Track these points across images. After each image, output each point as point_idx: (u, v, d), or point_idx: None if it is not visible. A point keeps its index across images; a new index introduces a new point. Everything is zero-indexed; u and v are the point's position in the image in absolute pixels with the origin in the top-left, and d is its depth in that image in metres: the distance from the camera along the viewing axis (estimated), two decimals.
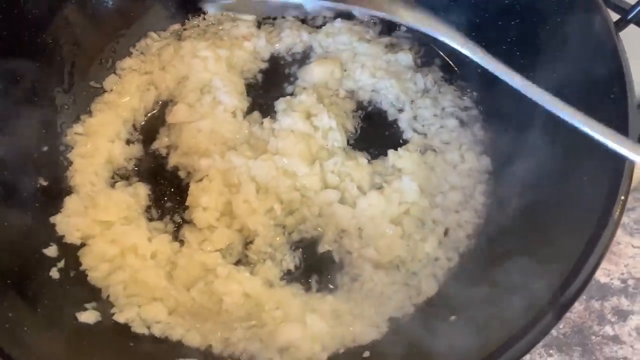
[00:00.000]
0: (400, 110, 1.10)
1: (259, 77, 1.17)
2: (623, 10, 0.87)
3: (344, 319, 0.91)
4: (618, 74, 0.78)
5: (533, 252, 0.79)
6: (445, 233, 0.97)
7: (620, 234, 1.05)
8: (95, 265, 0.95)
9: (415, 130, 1.07)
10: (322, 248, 0.97)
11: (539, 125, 0.90)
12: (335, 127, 1.06)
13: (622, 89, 0.77)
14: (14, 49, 0.98)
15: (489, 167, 1.03)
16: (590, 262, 0.69)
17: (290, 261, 0.97)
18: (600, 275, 1.04)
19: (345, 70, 1.14)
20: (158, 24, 1.21)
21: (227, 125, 1.07)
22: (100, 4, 1.13)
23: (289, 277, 0.96)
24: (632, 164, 0.72)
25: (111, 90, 1.14)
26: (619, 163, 0.73)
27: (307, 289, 0.95)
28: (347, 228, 0.96)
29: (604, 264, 0.93)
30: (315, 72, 1.13)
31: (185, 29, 1.22)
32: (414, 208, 0.99)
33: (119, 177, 1.06)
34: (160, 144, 1.09)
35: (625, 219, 1.07)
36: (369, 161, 1.04)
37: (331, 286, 0.95)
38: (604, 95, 0.79)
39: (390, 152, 1.04)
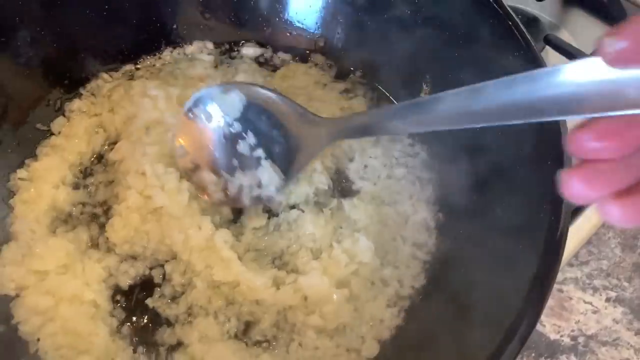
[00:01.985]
0: (351, 160, 1.10)
1: None
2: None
3: None
4: None
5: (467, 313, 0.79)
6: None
7: (572, 288, 1.05)
8: (27, 318, 0.93)
9: (364, 180, 1.07)
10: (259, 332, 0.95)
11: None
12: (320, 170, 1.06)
13: None
14: None
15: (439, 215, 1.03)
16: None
17: (232, 322, 0.95)
18: (550, 332, 1.04)
19: None
20: (110, 62, 1.21)
21: None
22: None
23: (229, 333, 0.95)
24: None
25: (59, 133, 1.13)
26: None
27: (248, 346, 0.93)
28: (291, 304, 0.94)
29: (554, 320, 0.93)
30: None
31: (138, 69, 1.22)
32: (364, 268, 0.98)
33: (62, 222, 1.05)
34: (95, 180, 1.10)
35: (578, 273, 1.07)
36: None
37: (271, 344, 0.94)
38: None
39: (346, 202, 1.04)
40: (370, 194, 1.05)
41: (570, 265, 1.09)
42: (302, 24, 1.23)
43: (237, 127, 1.00)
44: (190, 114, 1.03)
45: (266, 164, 0.98)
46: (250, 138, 1.00)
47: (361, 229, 1.01)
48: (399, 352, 0.91)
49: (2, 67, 1.07)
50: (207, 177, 1.03)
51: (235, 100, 1.01)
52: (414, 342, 0.91)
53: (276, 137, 1.00)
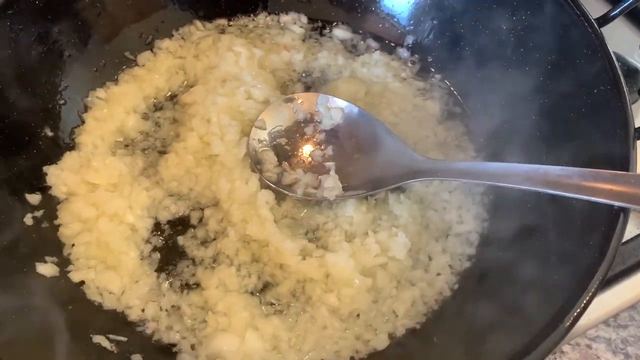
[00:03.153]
0: None
1: (285, 85, 1.20)
2: None
3: (281, 346, 0.91)
4: None
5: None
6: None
7: (602, 348, 0.99)
8: (68, 222, 0.99)
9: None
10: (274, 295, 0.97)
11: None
12: None
13: None
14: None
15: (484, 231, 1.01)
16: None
17: (253, 278, 0.97)
18: None
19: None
20: (206, 13, 1.27)
21: (248, 105, 1.11)
22: None
23: (246, 287, 0.96)
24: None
25: (143, 65, 1.20)
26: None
27: (259, 303, 0.95)
28: (312, 276, 0.95)
29: None
30: (339, 90, 1.15)
31: (230, 25, 1.27)
32: (393, 264, 0.97)
33: (123, 146, 1.11)
34: (162, 115, 1.15)
35: (613, 335, 1.00)
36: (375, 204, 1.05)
37: (283, 309, 0.95)
38: None
39: (392, 196, 1.04)
40: (419, 195, 1.04)
41: (607, 325, 1.03)
42: (396, 17, 1.24)
43: (321, 137, 1.09)
44: (290, 100, 1.11)
45: (333, 176, 1.03)
46: (328, 150, 1.07)
47: (400, 226, 1.00)
48: (407, 350, 0.89)
49: None
50: (268, 156, 1.07)
51: (335, 114, 1.09)
52: (423, 346, 0.89)
53: (355, 159, 1.06)
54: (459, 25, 1.15)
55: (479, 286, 0.93)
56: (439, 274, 0.97)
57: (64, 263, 0.95)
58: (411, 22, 1.23)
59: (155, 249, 1.01)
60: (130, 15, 1.19)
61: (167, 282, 0.97)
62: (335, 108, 1.10)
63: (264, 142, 1.09)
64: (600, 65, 0.90)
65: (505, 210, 0.99)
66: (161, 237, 1.02)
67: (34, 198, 0.99)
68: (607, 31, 0.93)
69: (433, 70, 1.20)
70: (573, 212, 0.82)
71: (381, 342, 0.91)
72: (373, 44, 1.25)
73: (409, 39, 1.23)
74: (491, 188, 1.04)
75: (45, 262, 0.93)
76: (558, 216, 0.87)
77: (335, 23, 1.27)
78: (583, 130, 0.90)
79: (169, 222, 1.03)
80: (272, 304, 0.95)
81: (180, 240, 1.01)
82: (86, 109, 1.13)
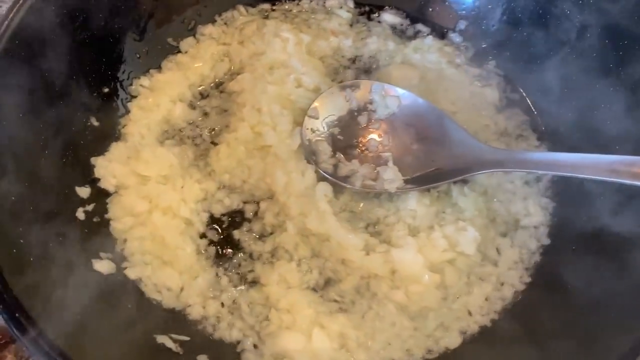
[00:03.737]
0: None
1: (335, 71, 1.16)
2: None
3: (349, 345, 0.88)
4: None
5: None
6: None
7: None
8: (121, 216, 0.96)
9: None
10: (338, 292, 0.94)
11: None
12: None
13: None
14: None
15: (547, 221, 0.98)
16: None
17: (314, 274, 0.94)
18: None
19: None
20: None
21: (298, 93, 1.07)
22: None
23: (307, 283, 0.93)
24: None
25: (186, 52, 1.16)
26: None
27: (324, 301, 0.92)
28: (377, 272, 0.92)
29: None
30: (392, 76, 1.11)
31: (274, 10, 1.23)
32: (462, 259, 0.94)
33: (171, 136, 1.07)
34: (209, 104, 1.11)
35: None
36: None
37: (347, 307, 0.92)
38: None
39: (455, 188, 1.00)
40: (483, 186, 1.01)
41: None
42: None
43: (376, 126, 1.05)
44: (345, 88, 1.07)
45: (392, 167, 0.99)
46: (385, 141, 1.03)
47: (467, 220, 0.97)
48: (480, 349, 0.86)
49: None
50: (323, 147, 1.03)
51: (391, 103, 1.05)
52: (496, 345, 0.86)
53: (414, 149, 1.02)
54: (517, 9, 1.11)
55: (552, 282, 0.90)
56: (509, 269, 0.94)
57: (118, 259, 0.92)
58: (474, 4, 1.18)
59: (210, 243, 0.97)
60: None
61: (226, 277, 0.94)
62: (391, 96, 1.06)
63: (318, 132, 1.05)
64: None
65: (576, 202, 0.95)
66: (216, 231, 0.98)
67: (83, 191, 0.96)
68: None
69: (489, 56, 1.15)
70: None
71: (454, 340, 0.88)
72: (423, 28, 1.20)
73: (462, 24, 1.19)
74: (559, 178, 1.00)
75: (101, 258, 0.90)
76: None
77: (385, 7, 1.23)
78: None
79: (222, 215, 1.00)
80: (335, 300, 0.92)
81: (236, 234, 0.98)
82: (131, 98, 1.09)
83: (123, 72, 1.09)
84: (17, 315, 0.69)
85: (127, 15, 1.06)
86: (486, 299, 0.91)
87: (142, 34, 1.11)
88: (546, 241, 0.96)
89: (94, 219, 0.94)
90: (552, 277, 0.91)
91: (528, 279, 0.93)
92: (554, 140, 1.05)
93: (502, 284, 0.93)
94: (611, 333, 0.77)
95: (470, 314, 0.90)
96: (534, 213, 0.98)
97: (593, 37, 0.99)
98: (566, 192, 0.99)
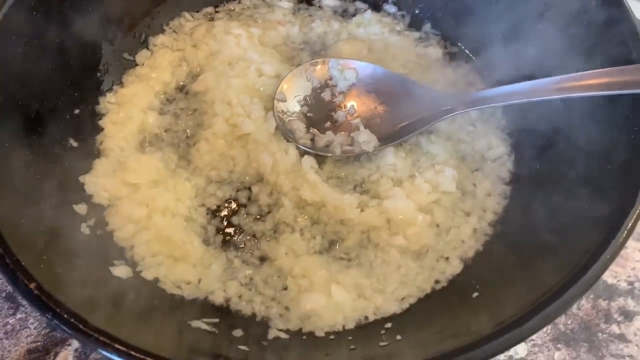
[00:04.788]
0: None
1: (290, 57, 1.24)
2: None
3: (365, 293, 0.96)
4: None
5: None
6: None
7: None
8: (121, 225, 0.99)
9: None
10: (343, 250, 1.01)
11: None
12: None
13: None
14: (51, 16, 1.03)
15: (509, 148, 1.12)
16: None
17: (317, 239, 1.01)
18: (608, 277, 1.10)
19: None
20: (191, 5, 1.28)
21: (262, 81, 1.15)
22: None
23: (314, 248, 1.00)
24: None
25: (143, 64, 1.20)
26: None
27: (333, 260, 0.99)
28: (375, 224, 1.01)
29: (611, 266, 0.99)
30: (343, 51, 1.21)
31: (217, 12, 1.30)
32: (446, 198, 1.04)
33: (149, 143, 1.12)
34: (176, 107, 1.17)
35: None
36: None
37: (355, 261, 1.00)
38: None
39: (422, 138, 1.11)
40: (446, 133, 1.12)
41: None
42: None
43: (340, 98, 1.15)
44: (305, 69, 1.16)
45: (364, 130, 1.09)
46: (351, 110, 1.13)
47: (441, 163, 1.07)
48: (482, 268, 0.96)
49: None
50: (297, 125, 1.11)
51: (349, 75, 1.15)
52: (494, 265, 0.97)
53: (380, 111, 1.12)
54: None
55: (528, 196, 1.02)
56: (489, 195, 1.06)
57: (132, 264, 0.95)
58: None
59: (215, 232, 1.02)
60: (123, 17, 1.18)
61: (238, 258, 0.99)
62: (348, 69, 1.15)
63: (289, 113, 1.13)
64: None
65: (530, 126, 1.08)
66: (217, 222, 1.04)
67: (81, 208, 0.98)
68: None
69: (425, 20, 1.27)
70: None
71: (456, 267, 0.98)
72: (361, 5, 1.31)
73: None
74: (507, 111, 1.13)
75: (116, 265, 0.93)
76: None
77: None
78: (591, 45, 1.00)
79: (218, 206, 1.05)
80: (342, 258, 1.00)
81: (235, 220, 1.04)
82: (101, 116, 1.12)
83: (88, 93, 1.12)
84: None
85: (85, 40, 1.09)
86: (475, 229, 1.02)
87: (99, 54, 1.14)
88: (512, 165, 1.09)
89: (98, 232, 0.97)
90: (525, 198, 1.03)
91: (505, 202, 1.05)
92: (497, 82, 1.18)
93: (484, 211, 1.04)
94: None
95: (463, 242, 1.01)
96: (496, 145, 1.10)
97: None
98: (519, 120, 1.12)
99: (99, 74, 1.14)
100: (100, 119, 1.11)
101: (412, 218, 1.00)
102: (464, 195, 1.06)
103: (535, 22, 1.10)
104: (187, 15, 1.27)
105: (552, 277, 0.77)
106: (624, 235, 0.75)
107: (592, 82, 0.87)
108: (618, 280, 1.12)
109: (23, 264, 0.73)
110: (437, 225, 1.02)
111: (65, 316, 0.70)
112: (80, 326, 0.69)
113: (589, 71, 0.89)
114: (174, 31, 1.26)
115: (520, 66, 1.10)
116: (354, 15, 1.30)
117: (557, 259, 0.82)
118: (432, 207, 1.03)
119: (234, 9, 1.31)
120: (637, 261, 1.14)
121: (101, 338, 0.69)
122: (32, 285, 0.71)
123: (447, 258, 0.99)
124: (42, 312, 0.70)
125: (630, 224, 0.76)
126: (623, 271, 1.13)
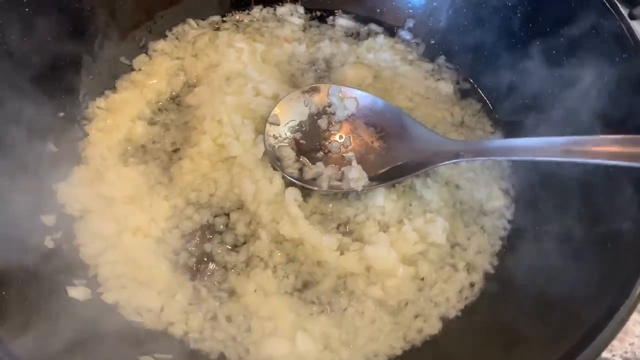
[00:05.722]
0: None
1: (292, 77, 1.19)
2: None
3: (332, 344, 0.91)
4: None
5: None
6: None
7: None
8: (89, 241, 0.96)
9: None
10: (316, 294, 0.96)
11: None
12: None
13: None
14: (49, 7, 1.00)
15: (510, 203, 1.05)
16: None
17: (290, 279, 0.96)
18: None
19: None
20: (198, 12, 1.24)
21: (257, 101, 1.10)
22: None
23: (285, 289, 0.95)
24: None
25: (140, 69, 1.17)
26: None
27: (303, 304, 0.94)
28: (353, 271, 0.95)
29: None
30: (348, 76, 1.15)
31: (224, 21, 1.25)
32: (432, 250, 0.98)
33: (133, 155, 1.07)
34: (167, 118, 1.12)
35: None
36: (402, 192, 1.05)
37: (326, 307, 0.94)
38: None
39: (418, 181, 1.04)
40: (445, 177, 1.05)
41: None
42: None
43: (337, 128, 1.09)
44: (303, 93, 1.10)
45: (356, 166, 1.03)
46: (346, 141, 1.07)
47: (434, 211, 1.01)
48: (462, 333, 0.90)
49: None
50: (286, 152, 1.06)
51: (349, 104, 1.09)
52: (478, 327, 0.91)
53: (376, 147, 1.06)
54: (462, 5, 1.17)
55: (525, 256, 0.95)
56: (478, 253, 0.99)
57: (94, 285, 0.92)
58: (414, 3, 1.23)
59: (185, 258, 0.98)
60: (122, 19, 1.15)
61: (205, 288, 0.95)
62: (348, 98, 1.09)
63: (280, 138, 1.07)
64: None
65: (536, 181, 1.01)
66: (189, 247, 0.99)
67: (49, 219, 0.95)
68: None
69: (440, 51, 1.21)
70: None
71: (434, 327, 0.92)
72: (376, 28, 1.25)
73: (410, 22, 1.24)
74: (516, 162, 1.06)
75: (75, 285, 0.90)
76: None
77: (337, 11, 1.27)
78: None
79: (193, 231, 1.01)
80: (314, 302, 0.95)
81: (208, 247, 0.99)
82: (88, 120, 1.09)
83: (77, 96, 1.08)
84: None
85: (78, 38, 1.06)
86: (461, 286, 0.96)
87: (94, 55, 1.11)
88: (511, 221, 1.01)
89: (64, 246, 0.94)
90: (519, 258, 0.96)
91: (497, 262, 0.98)
92: (507, 125, 1.11)
93: (474, 269, 0.97)
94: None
95: (447, 299, 0.94)
96: (497, 197, 1.03)
97: (537, 26, 1.06)
98: (526, 173, 1.05)
99: (91, 77, 1.11)
100: (87, 124, 1.08)
101: (393, 269, 0.94)
102: (453, 249, 0.99)
103: (555, 69, 1.02)
104: (192, 22, 1.23)
105: None
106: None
107: (600, 149, 0.80)
108: (613, 355, 1.04)
109: None
110: (422, 279, 0.96)
111: None
112: None
113: (599, 136, 0.82)
114: (176, 38, 1.22)
115: (536, 115, 1.03)
116: (366, 38, 1.23)
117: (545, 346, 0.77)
118: (417, 258, 0.97)
119: (242, 20, 1.26)
120: (636, 336, 1.06)
121: None
122: None
123: (426, 317, 0.93)
124: None
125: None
126: (620, 346, 1.05)
